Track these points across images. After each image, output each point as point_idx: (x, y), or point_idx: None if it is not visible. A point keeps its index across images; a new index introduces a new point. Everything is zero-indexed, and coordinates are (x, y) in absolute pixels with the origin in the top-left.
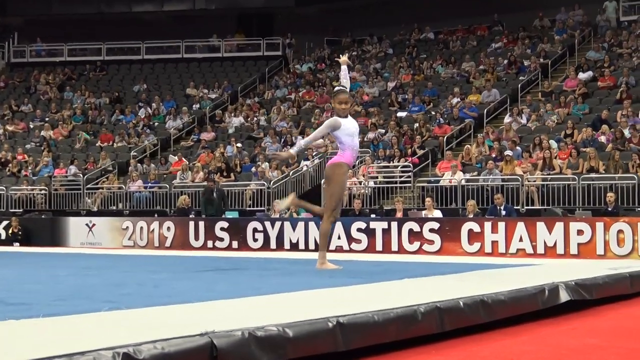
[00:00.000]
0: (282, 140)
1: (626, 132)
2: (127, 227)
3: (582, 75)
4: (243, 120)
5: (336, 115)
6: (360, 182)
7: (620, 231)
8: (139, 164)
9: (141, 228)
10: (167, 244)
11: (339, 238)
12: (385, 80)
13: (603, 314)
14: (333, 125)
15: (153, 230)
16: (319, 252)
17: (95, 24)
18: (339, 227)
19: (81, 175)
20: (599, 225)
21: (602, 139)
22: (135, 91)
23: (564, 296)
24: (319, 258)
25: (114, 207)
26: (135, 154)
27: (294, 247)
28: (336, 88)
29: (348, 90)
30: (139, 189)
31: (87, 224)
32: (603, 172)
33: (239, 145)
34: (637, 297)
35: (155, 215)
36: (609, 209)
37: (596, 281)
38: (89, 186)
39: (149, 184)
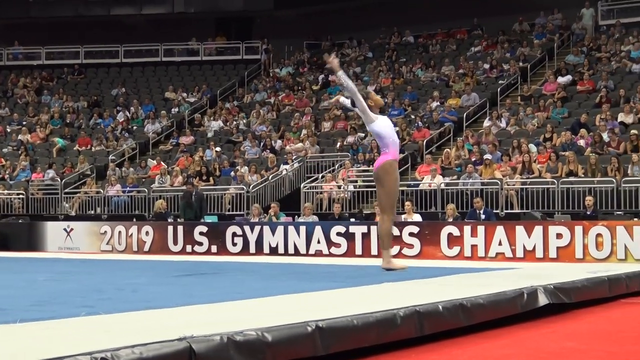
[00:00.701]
0: (262, 144)
1: (605, 136)
2: (106, 231)
3: (561, 79)
4: (222, 124)
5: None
6: (339, 186)
7: (599, 235)
8: (117, 168)
9: (119, 232)
10: (146, 248)
11: (318, 242)
12: (365, 83)
13: (582, 317)
14: (369, 113)
15: (131, 234)
16: (384, 252)
17: (73, 27)
18: (318, 232)
19: (59, 180)
20: (578, 229)
21: (581, 142)
22: (113, 95)
23: (542, 300)
24: (384, 257)
25: (92, 212)
26: (113, 158)
27: (274, 251)
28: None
29: (346, 89)
30: (117, 194)
31: (64, 229)
32: (582, 175)
33: (218, 149)
34: (615, 300)
35: (134, 220)
36: (588, 213)
37: (575, 285)
38: (66, 190)
39: (128, 188)
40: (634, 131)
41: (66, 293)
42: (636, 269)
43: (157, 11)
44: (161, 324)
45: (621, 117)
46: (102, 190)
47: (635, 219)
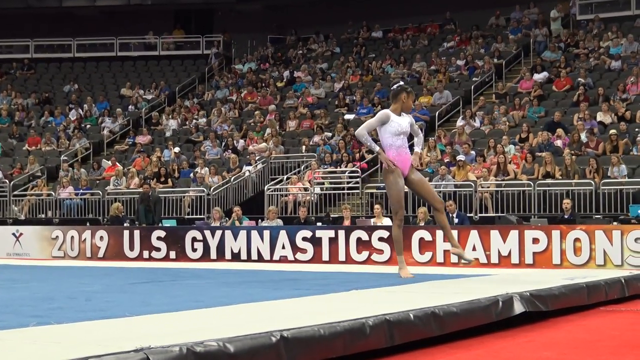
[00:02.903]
0: (223, 144)
1: (583, 136)
2: (57, 236)
3: (537, 76)
4: (181, 123)
5: (395, 110)
6: (305, 189)
7: (577, 239)
8: (70, 169)
9: (72, 237)
10: (100, 254)
11: (283, 248)
12: (332, 80)
13: (559, 326)
14: (382, 119)
15: (85, 239)
16: (398, 258)
17: (22, 19)
18: (282, 236)
19: (7, 181)
20: (555, 234)
21: (559, 143)
22: (65, 91)
23: (518, 307)
24: (399, 263)
25: (43, 216)
26: (65, 158)
27: (236, 257)
28: (403, 85)
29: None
30: (69, 196)
31: (13, 234)
32: (559, 177)
33: (176, 149)
34: (594, 308)
35: (87, 224)
36: (566, 217)
37: (552, 292)
38: (15, 193)
39: (81, 191)
40: (613, 131)
41: (14, 302)
42: (615, 275)
43: (112, 3)
44: (116, 335)
45: (600, 116)
46: (53, 193)
47: (615, 223)
